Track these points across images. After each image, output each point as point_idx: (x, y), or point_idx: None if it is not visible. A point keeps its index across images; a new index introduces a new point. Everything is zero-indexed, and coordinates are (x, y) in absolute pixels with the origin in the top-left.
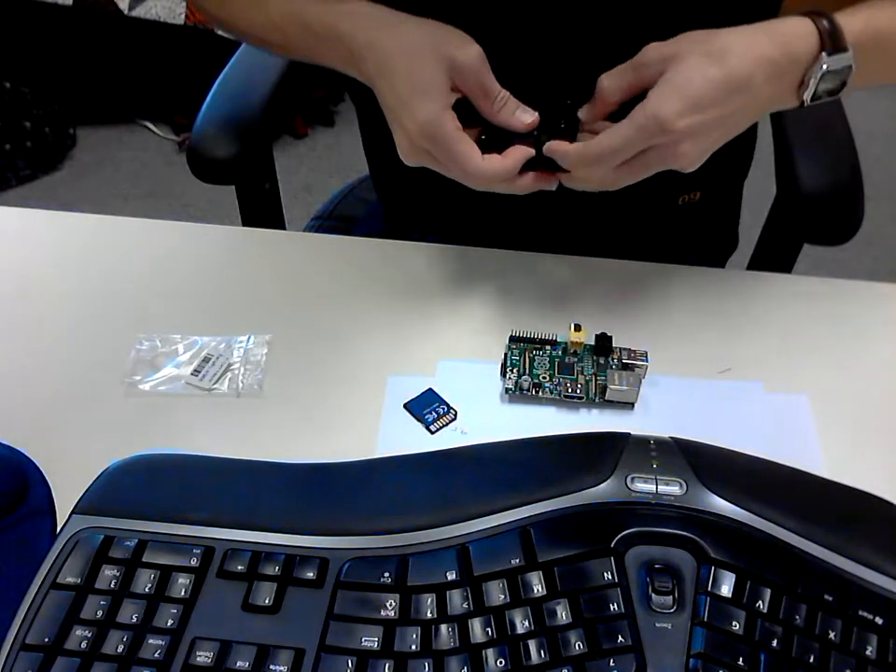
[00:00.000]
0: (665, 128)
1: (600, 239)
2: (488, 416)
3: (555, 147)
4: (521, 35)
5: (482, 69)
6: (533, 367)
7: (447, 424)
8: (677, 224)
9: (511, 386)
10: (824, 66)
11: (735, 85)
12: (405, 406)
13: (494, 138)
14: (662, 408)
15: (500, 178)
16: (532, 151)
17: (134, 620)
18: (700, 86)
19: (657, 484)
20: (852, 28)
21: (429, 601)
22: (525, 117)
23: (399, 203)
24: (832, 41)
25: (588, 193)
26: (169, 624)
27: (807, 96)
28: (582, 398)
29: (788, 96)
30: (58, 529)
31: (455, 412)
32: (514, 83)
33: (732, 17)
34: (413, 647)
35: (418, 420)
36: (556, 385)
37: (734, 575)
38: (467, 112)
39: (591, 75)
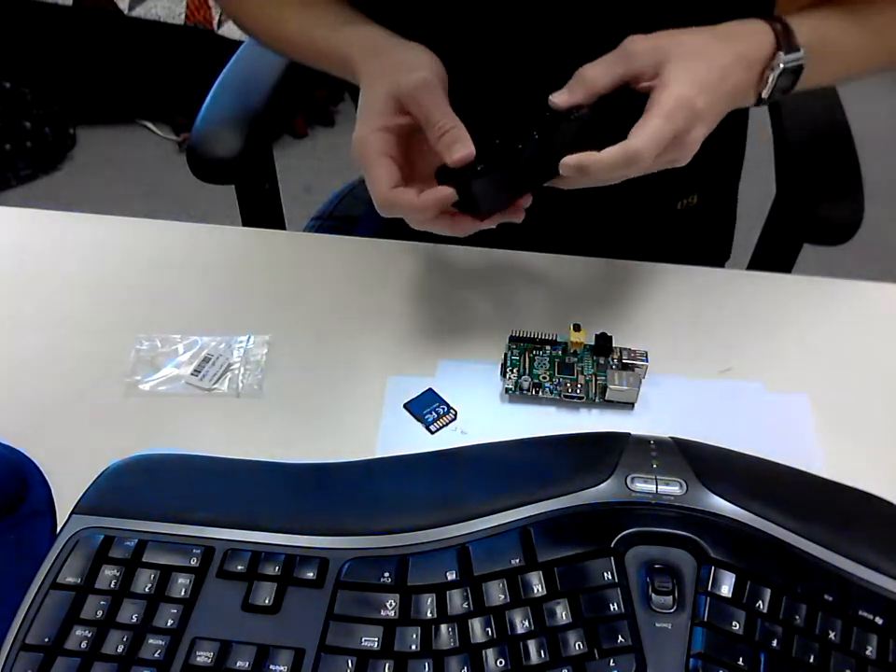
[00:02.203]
0: (693, 106)
1: (599, 244)
2: (488, 416)
3: (587, 159)
4: (502, 49)
5: (425, 97)
6: (533, 367)
7: (447, 424)
8: (676, 229)
9: (510, 386)
10: (781, 64)
11: (725, 72)
12: (405, 406)
13: (490, 164)
14: (662, 408)
15: (404, 210)
16: (450, 193)
17: (134, 620)
18: (704, 71)
19: (657, 484)
20: (801, 30)
21: (429, 601)
22: (456, 150)
23: None
24: (786, 41)
25: (589, 200)
26: (169, 624)
27: (766, 93)
28: (582, 398)
29: (748, 92)
30: (58, 529)
31: (455, 412)
32: (499, 97)
33: (724, 16)
34: (413, 647)
35: (418, 420)
36: (556, 385)
37: (733, 575)
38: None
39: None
